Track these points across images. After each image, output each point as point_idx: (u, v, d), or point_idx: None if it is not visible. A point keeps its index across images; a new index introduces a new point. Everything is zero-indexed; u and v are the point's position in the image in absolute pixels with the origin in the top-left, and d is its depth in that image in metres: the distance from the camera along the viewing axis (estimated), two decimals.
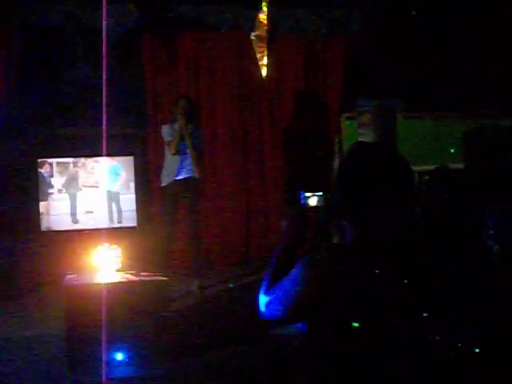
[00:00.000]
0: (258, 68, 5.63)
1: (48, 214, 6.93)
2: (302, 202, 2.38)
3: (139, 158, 7.16)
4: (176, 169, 6.13)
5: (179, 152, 6.10)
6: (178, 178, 6.14)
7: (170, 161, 6.19)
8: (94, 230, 6.83)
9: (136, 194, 7.06)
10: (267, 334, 4.74)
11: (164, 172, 6.26)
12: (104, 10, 3.36)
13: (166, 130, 6.24)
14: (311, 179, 6.72)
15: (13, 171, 6.65)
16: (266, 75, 5.53)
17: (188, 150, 6.08)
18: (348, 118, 6.98)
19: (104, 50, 3.64)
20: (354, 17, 7.10)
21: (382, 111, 5.85)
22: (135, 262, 5.48)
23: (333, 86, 7.45)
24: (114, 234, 6.64)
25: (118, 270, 5.03)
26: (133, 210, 7.15)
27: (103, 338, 4.42)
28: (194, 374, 4.43)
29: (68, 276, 4.95)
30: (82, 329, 4.46)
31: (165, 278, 4.97)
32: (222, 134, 7.40)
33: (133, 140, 7.26)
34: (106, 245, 5.09)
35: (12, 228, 6.72)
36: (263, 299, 2.08)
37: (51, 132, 7.00)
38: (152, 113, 7.25)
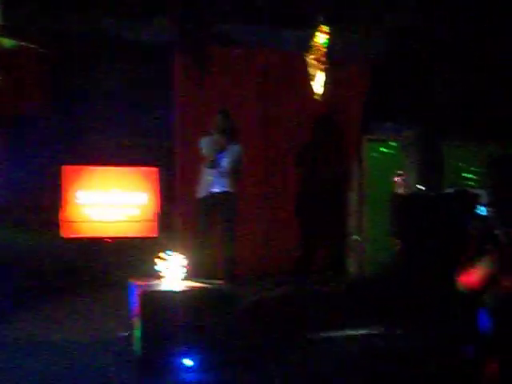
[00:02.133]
0: (308, 87, 5.89)
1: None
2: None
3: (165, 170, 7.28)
4: (211, 182, 6.28)
5: (214, 166, 6.25)
6: (213, 191, 6.29)
7: (206, 173, 6.33)
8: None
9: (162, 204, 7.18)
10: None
11: (200, 183, 6.37)
12: None
13: (203, 143, 6.35)
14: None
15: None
16: (323, 95, 5.77)
17: (225, 165, 6.25)
18: (370, 140, 7.35)
19: None
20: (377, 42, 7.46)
21: (426, 136, 6.16)
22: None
23: (354, 109, 7.79)
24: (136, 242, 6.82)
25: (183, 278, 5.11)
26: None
27: (178, 343, 4.57)
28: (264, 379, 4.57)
29: (135, 282, 4.99)
30: (157, 334, 4.57)
31: (229, 286, 5.11)
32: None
33: (158, 151, 7.35)
34: (170, 252, 5.16)
35: None
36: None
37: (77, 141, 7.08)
38: (179, 125, 7.37)
